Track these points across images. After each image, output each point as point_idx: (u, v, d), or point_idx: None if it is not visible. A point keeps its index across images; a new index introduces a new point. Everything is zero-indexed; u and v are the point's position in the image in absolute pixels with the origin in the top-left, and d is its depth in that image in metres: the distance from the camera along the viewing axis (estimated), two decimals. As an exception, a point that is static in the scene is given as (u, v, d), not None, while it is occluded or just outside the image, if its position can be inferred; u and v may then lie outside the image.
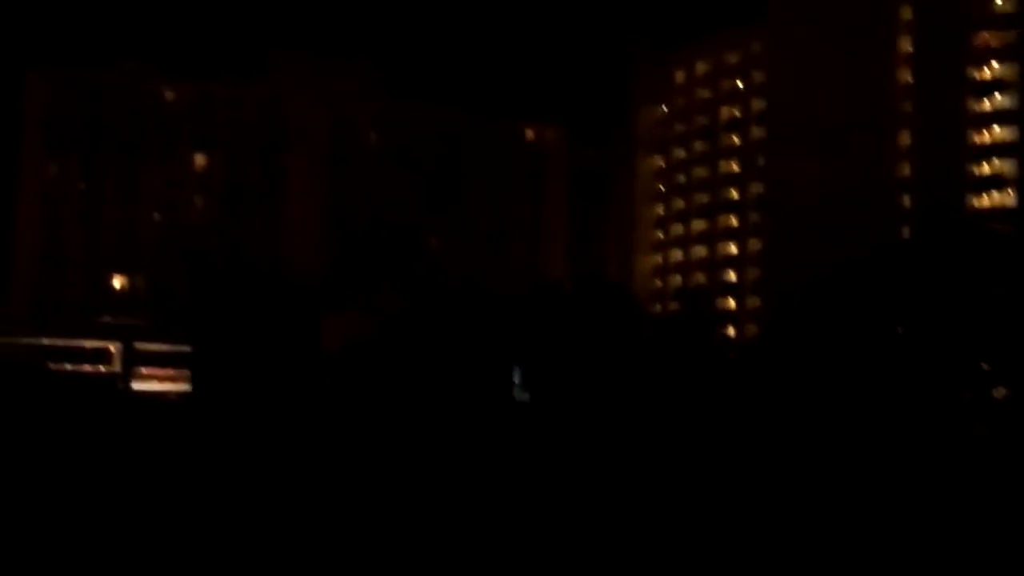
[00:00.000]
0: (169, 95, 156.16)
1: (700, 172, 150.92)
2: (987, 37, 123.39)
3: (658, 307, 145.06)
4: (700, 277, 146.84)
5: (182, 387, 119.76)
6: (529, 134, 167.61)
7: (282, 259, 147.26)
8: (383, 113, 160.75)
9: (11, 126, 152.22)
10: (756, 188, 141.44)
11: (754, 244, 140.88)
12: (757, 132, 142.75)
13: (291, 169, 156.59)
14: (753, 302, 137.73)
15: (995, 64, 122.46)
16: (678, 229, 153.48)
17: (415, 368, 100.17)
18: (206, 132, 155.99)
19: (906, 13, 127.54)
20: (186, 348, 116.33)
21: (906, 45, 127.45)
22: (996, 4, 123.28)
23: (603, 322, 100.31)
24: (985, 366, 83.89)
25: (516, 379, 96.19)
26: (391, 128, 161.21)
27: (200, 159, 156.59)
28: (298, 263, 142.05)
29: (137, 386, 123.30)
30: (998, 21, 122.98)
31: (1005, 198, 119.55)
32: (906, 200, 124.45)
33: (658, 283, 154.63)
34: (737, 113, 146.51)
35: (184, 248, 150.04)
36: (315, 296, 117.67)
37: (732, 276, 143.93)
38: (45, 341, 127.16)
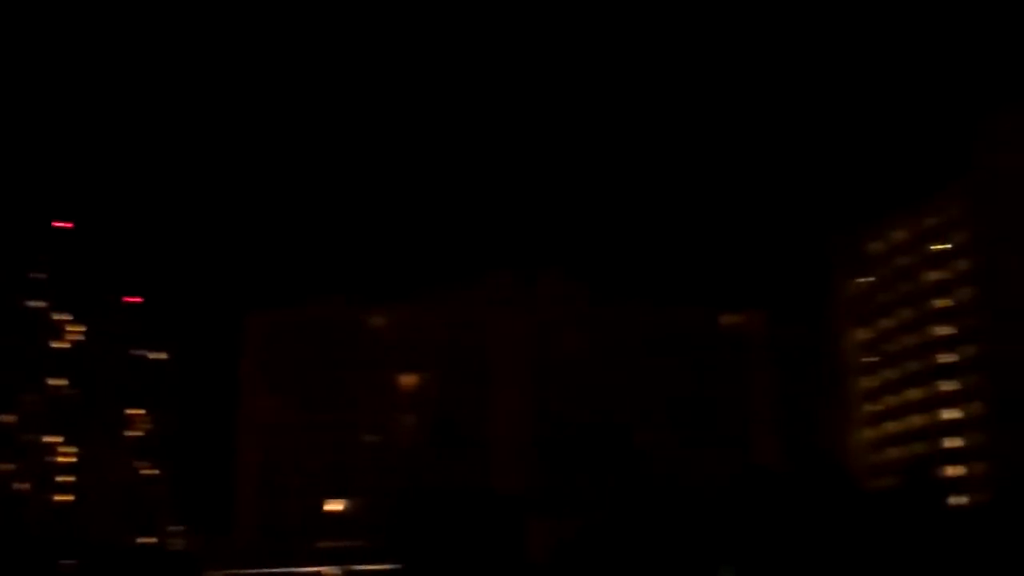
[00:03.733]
0: (378, 321, 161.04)
1: (910, 340, 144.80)
2: None
3: (878, 481, 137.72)
4: (919, 447, 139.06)
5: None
6: (729, 321, 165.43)
7: (491, 471, 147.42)
8: (585, 316, 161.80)
9: (230, 365, 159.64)
10: (970, 350, 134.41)
11: (976, 408, 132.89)
12: (965, 293, 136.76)
13: (496, 379, 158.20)
14: (978, 468, 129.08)
15: None
16: (892, 400, 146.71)
17: (625, 571, 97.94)
18: (414, 354, 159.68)
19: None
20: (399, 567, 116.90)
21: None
22: None
23: (819, 504, 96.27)
24: None
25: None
26: (594, 330, 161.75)
27: (409, 380, 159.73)
28: (506, 473, 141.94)
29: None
30: None
31: None
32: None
33: (875, 457, 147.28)
34: (942, 276, 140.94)
35: (397, 468, 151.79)
36: (520, 506, 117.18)
37: (955, 443, 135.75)
38: (265, 570, 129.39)
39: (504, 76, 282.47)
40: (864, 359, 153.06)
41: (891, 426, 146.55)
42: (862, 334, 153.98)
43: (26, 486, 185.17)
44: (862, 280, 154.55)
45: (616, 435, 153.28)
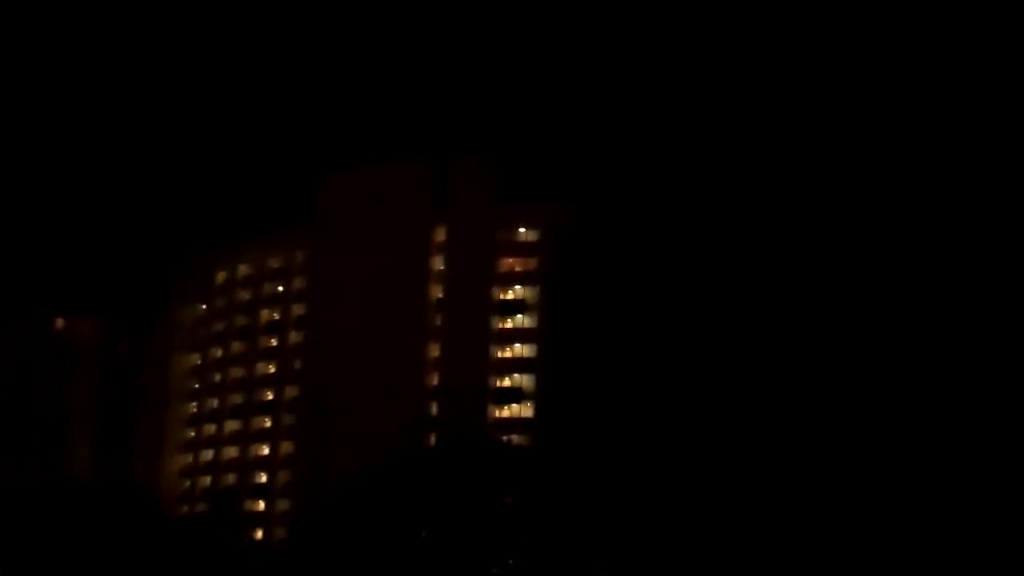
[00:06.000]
0: None
1: (236, 372, 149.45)
2: (512, 262, 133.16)
3: (185, 508, 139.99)
4: (230, 479, 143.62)
5: None
6: (59, 324, 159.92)
7: None
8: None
9: None
10: (291, 391, 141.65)
11: (287, 447, 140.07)
12: (295, 336, 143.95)
13: None
14: (283, 505, 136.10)
15: (519, 287, 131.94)
16: (210, 429, 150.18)
17: None
18: None
19: (439, 235, 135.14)
20: None
21: (439, 264, 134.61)
22: (520, 232, 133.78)
23: (119, 524, 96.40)
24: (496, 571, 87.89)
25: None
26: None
27: None
28: None
29: None
30: (523, 248, 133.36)
31: (524, 410, 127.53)
32: (434, 408, 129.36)
33: (187, 484, 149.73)
34: (276, 316, 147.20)
35: None
36: None
37: (263, 478, 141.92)
38: None
39: None
40: (190, 385, 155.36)
41: (205, 455, 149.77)
42: (192, 359, 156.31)
43: None
44: (200, 306, 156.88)
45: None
